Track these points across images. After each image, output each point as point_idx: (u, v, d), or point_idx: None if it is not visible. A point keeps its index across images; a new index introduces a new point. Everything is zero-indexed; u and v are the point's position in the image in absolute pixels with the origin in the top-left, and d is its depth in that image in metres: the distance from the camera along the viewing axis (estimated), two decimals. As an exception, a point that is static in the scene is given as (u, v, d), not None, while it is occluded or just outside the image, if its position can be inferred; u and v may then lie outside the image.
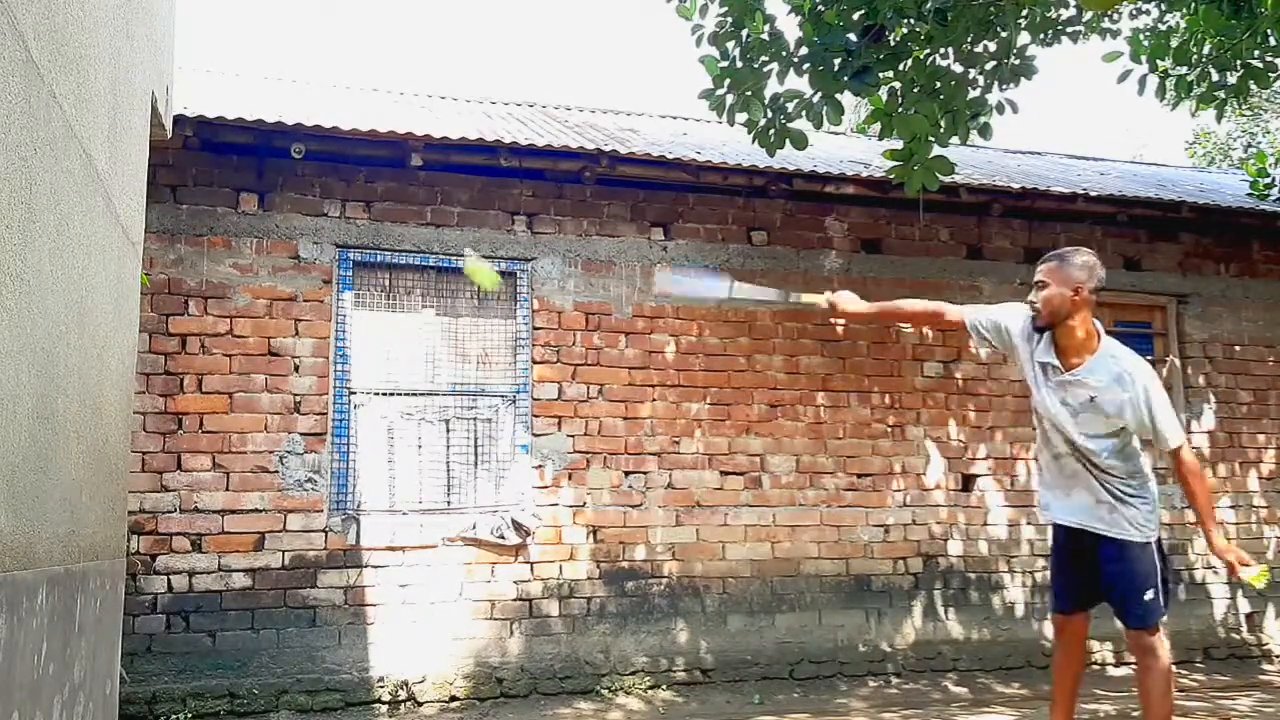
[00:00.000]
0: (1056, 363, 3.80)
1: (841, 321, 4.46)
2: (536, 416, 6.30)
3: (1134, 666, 3.85)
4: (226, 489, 5.73)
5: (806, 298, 4.31)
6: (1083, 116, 36.30)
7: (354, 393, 6.05)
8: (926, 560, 6.90)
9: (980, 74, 5.77)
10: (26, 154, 2.29)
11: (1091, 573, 3.80)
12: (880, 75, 5.40)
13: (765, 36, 5.29)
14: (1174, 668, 3.89)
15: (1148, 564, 3.71)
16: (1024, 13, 5.67)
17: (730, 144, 7.30)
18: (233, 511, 5.72)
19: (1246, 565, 3.59)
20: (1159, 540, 3.78)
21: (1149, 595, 3.68)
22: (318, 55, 37.78)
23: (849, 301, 4.23)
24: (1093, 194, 7.26)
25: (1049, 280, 3.78)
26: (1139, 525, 3.72)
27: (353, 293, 6.12)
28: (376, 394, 6.11)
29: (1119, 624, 3.82)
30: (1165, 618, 3.76)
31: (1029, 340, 3.91)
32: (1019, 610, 7.01)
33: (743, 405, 6.66)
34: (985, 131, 5.92)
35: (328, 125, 5.76)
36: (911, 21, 5.35)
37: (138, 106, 3.88)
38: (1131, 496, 3.73)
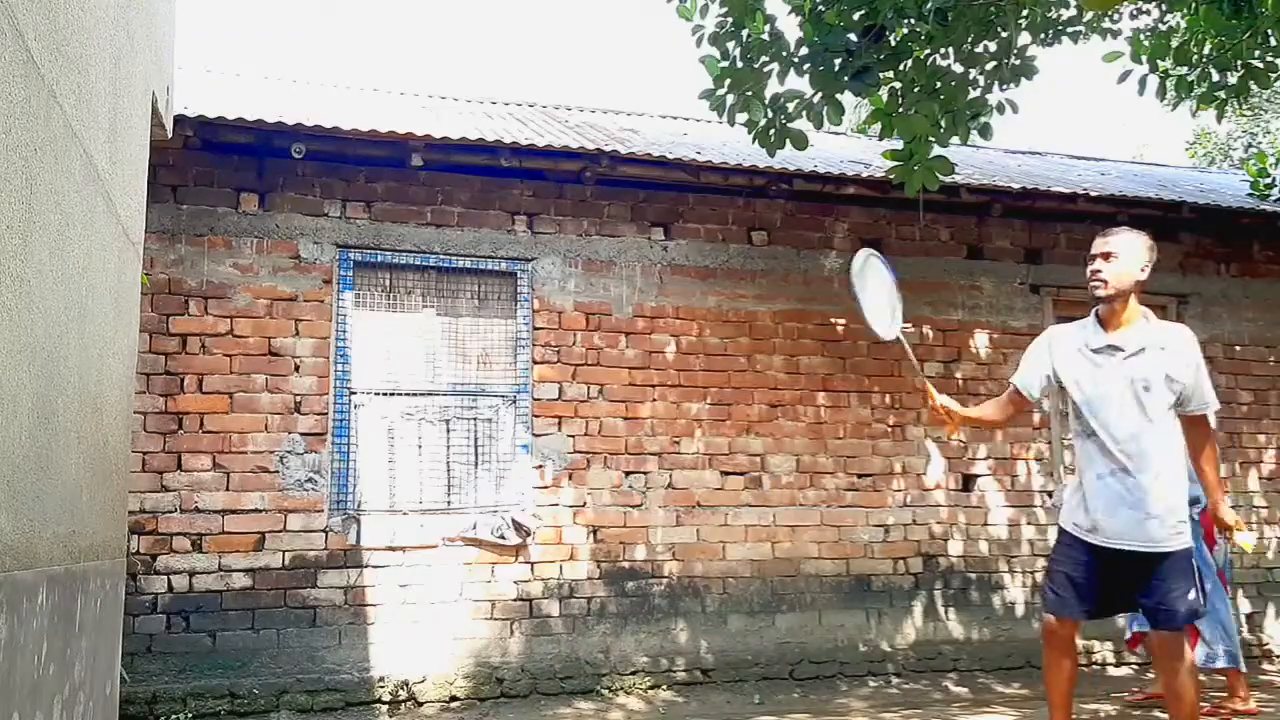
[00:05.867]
0: (1115, 342, 3.76)
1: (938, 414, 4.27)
2: (537, 416, 6.30)
3: (1162, 667, 3.84)
4: (227, 489, 5.74)
5: (931, 389, 4.18)
6: (1083, 116, 36.31)
7: (354, 393, 6.06)
8: (927, 560, 6.90)
9: (980, 74, 5.77)
10: (27, 154, 2.29)
11: (1124, 584, 3.72)
12: (880, 75, 5.40)
13: (765, 36, 5.29)
14: None
15: (1189, 566, 3.68)
16: (1024, 13, 5.67)
17: (730, 144, 7.30)
18: (233, 511, 5.73)
19: (1242, 530, 3.87)
20: None
21: (1191, 595, 3.65)
22: (318, 55, 37.79)
23: (950, 405, 4.11)
24: (1093, 194, 7.26)
25: (1120, 253, 3.77)
26: (1183, 531, 3.68)
27: (353, 293, 6.12)
28: (377, 394, 6.11)
29: (1119, 623, 3.83)
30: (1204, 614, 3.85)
31: (1072, 339, 3.88)
32: (1019, 610, 7.01)
33: (743, 405, 6.66)
34: (985, 131, 5.92)
35: (328, 125, 5.77)
36: (912, 21, 5.35)
37: (138, 106, 3.88)
38: (1176, 501, 3.68)
